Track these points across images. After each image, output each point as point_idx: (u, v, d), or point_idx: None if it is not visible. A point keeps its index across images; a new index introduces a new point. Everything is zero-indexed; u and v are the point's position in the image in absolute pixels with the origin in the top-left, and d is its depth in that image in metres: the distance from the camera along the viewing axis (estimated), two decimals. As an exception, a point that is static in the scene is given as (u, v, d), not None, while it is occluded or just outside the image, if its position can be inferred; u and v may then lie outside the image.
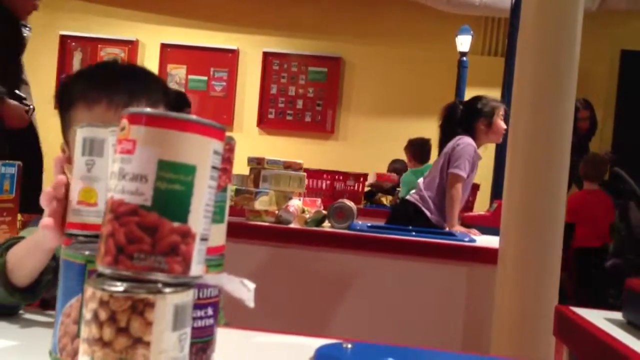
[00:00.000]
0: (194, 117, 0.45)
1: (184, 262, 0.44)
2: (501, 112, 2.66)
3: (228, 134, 0.56)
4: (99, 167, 0.57)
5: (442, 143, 2.72)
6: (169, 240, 0.43)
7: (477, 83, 5.28)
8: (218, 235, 0.58)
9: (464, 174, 2.52)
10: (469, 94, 5.17)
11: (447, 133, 2.69)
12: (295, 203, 2.24)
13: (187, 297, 0.45)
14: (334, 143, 5.60)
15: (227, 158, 0.60)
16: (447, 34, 5.26)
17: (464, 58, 5.12)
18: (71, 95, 0.94)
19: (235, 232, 2.07)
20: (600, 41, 5.22)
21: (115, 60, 0.91)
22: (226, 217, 0.60)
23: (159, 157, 0.43)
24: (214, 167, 0.47)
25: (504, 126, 2.60)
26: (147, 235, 0.43)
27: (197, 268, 0.45)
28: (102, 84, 0.93)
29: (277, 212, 2.15)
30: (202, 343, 0.56)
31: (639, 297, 0.88)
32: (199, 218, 0.45)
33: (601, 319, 0.92)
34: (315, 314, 1.92)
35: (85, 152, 0.58)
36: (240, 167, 2.91)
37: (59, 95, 0.97)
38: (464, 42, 5.10)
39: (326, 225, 2.20)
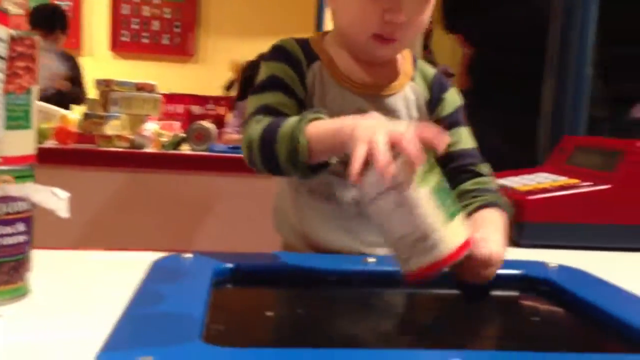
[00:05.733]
0: (-39, -5, 0.38)
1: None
2: None
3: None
4: None
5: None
6: (-61, 140, 0.37)
7: None
8: (24, 142, 0.52)
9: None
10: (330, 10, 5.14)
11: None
12: (151, 127, 2.14)
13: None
14: (195, 66, 5.37)
15: (30, 55, 0.53)
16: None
17: (327, -25, 5.04)
18: None
19: (84, 159, 1.97)
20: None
21: None
22: (34, 123, 0.53)
23: None
24: (-4, 57, 0.40)
25: None
26: None
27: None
28: None
29: (131, 136, 2.04)
30: (14, 262, 0.51)
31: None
32: (-21, 115, 0.39)
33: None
34: (176, 237, 1.88)
35: None
36: (92, 92, 2.70)
37: None
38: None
39: (185, 149, 2.13)
